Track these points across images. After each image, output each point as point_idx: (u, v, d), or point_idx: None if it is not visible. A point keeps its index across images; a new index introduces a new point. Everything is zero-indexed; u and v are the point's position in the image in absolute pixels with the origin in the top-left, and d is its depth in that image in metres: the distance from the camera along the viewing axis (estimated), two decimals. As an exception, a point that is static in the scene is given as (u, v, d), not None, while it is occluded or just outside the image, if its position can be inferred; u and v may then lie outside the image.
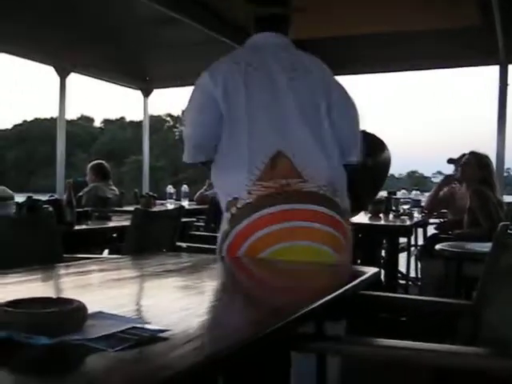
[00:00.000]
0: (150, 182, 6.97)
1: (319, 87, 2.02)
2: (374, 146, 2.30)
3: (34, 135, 39.87)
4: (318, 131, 1.97)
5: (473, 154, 4.08)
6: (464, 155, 4.21)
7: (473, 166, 4.00)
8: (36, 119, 41.86)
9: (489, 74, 6.18)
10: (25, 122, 43.09)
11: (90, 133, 42.43)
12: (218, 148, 1.96)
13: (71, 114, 40.39)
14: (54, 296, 0.96)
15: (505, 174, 6.20)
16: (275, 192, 1.87)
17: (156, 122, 40.26)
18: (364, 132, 2.30)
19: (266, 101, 1.94)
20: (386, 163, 2.37)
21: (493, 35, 4.77)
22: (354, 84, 2.15)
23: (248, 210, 1.87)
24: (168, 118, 41.20)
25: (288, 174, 1.88)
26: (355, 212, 2.55)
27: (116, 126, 40.72)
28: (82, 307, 0.86)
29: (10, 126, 43.20)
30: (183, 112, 2.14)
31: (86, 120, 43.03)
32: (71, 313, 0.84)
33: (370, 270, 1.56)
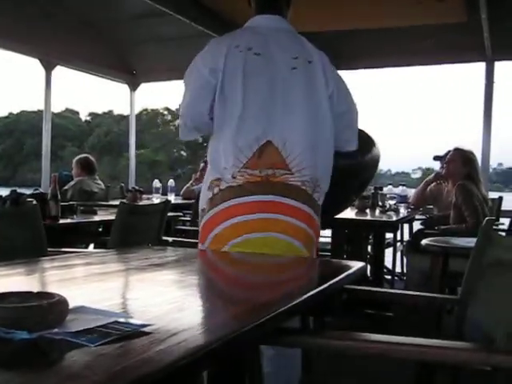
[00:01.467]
0: (150, 176, 6.89)
1: (320, 78, 1.99)
2: (363, 142, 2.30)
3: (21, 128, 39.44)
4: (314, 124, 1.96)
5: (457, 150, 4.11)
6: (449, 152, 4.23)
7: (457, 163, 4.02)
8: (23, 112, 41.37)
9: (475, 71, 6.22)
10: (11, 114, 42.60)
11: (78, 126, 42.05)
12: (214, 126, 1.95)
13: (59, 106, 39.96)
14: (36, 290, 0.95)
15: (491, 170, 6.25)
16: (260, 181, 1.86)
17: (154, 115, 39.92)
18: None
19: (263, 88, 1.91)
20: (375, 160, 2.36)
21: (479, 32, 4.80)
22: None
23: (229, 194, 1.87)
24: (165, 112, 40.82)
25: (274, 164, 1.88)
26: (341, 209, 2.55)
27: (112, 119, 40.13)
28: (62, 301, 0.85)
29: (-5, 119, 42.63)
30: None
31: (72, 113, 42.64)
32: (52, 307, 0.83)
33: (356, 265, 1.56)
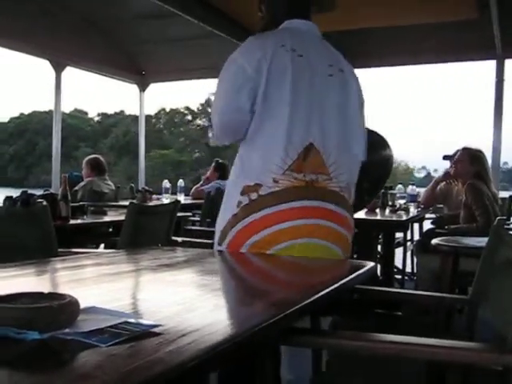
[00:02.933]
0: (174, 176, 6.84)
1: (351, 88, 2.00)
2: (374, 143, 2.29)
3: (33, 128, 39.59)
4: (349, 130, 1.96)
5: (465, 149, 4.09)
6: (458, 151, 4.21)
7: (465, 162, 4.01)
8: (34, 112, 41.54)
9: (486, 68, 6.19)
10: (22, 114, 42.77)
11: (91, 126, 42.14)
12: (251, 128, 1.86)
13: (69, 107, 40.12)
14: (47, 291, 0.95)
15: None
16: (305, 186, 1.83)
17: (173, 115, 39.86)
18: (366, 129, 2.30)
19: (306, 91, 1.87)
20: (386, 161, 2.36)
21: (490, 30, 4.77)
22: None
23: (273, 199, 1.81)
24: (186, 111, 40.62)
25: (317, 169, 1.85)
26: (355, 210, 2.54)
27: (129, 119, 39.94)
28: (73, 302, 0.85)
29: (6, 120, 42.78)
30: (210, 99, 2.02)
31: (82, 113, 42.80)
32: (63, 308, 0.83)
33: (367, 265, 1.55)
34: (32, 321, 0.80)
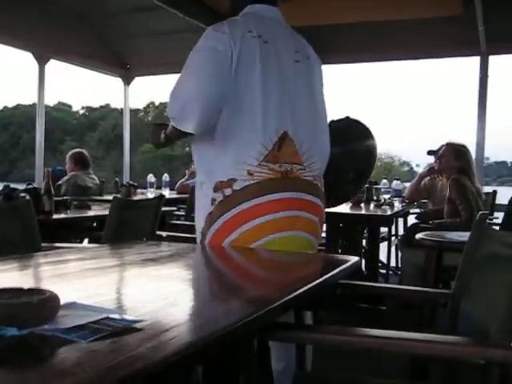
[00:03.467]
0: (164, 171, 6.68)
1: (317, 75, 1.99)
2: (358, 132, 2.29)
3: (17, 122, 39.08)
4: (316, 118, 1.94)
5: (449, 144, 4.12)
6: (443, 146, 4.24)
7: (449, 157, 4.03)
8: (19, 105, 41.05)
9: (470, 64, 6.22)
10: (6, 107, 42.27)
11: (76, 119, 41.74)
12: (222, 121, 1.77)
13: (53, 100, 39.75)
14: (28, 286, 0.94)
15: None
16: (280, 177, 1.80)
17: (163, 109, 39.43)
18: (348, 118, 2.29)
19: (275, 78, 1.82)
20: (371, 152, 2.35)
21: (474, 26, 4.80)
22: (331, 74, 2.12)
23: (249, 193, 1.76)
24: None
25: (292, 159, 1.83)
26: (339, 201, 2.54)
27: (116, 112, 39.37)
28: (53, 297, 0.84)
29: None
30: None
31: (67, 106, 42.42)
32: (42, 303, 0.82)
33: (351, 259, 1.56)
34: (12, 317, 0.78)
